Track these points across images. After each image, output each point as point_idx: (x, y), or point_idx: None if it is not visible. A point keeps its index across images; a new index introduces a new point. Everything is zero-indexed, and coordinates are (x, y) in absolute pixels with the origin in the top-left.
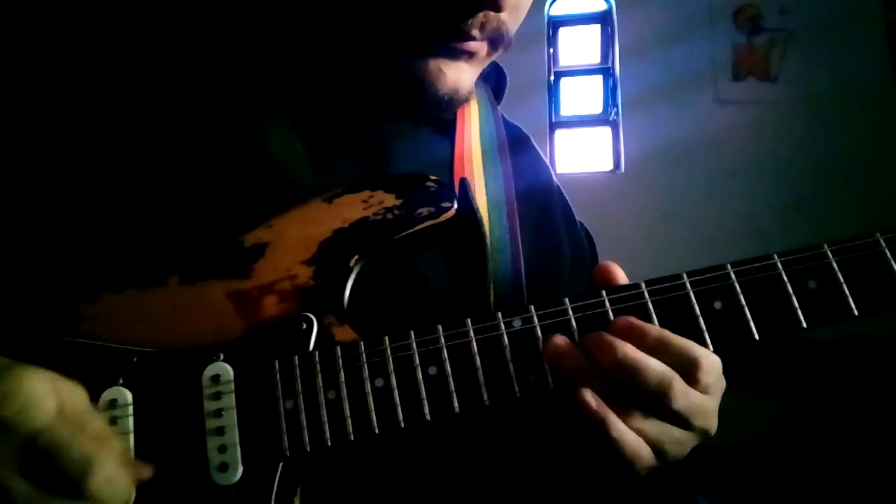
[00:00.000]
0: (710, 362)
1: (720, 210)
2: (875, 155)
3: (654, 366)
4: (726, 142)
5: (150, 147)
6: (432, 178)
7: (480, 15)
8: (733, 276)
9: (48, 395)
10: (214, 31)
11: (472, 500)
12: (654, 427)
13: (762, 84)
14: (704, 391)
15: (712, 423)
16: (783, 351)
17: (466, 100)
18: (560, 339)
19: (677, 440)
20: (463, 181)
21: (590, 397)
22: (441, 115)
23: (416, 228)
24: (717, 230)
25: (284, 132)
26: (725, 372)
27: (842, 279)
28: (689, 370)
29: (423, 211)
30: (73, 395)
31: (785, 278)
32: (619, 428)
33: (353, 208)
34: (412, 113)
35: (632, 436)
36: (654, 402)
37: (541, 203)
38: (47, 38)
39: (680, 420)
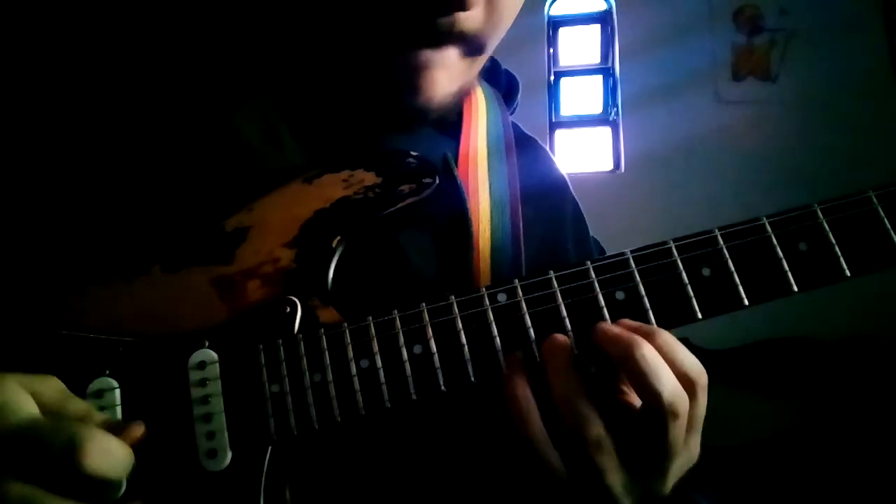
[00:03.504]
0: (705, 382)
1: (720, 210)
2: (875, 154)
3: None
4: (726, 142)
5: (128, 138)
6: (413, 154)
7: (453, 17)
8: (721, 241)
9: (24, 398)
10: (202, 24)
11: (463, 487)
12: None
13: (762, 84)
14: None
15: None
16: (783, 351)
17: (439, 108)
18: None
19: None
20: (445, 157)
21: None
22: (416, 121)
23: (399, 206)
24: None
25: (272, 127)
26: (726, 372)
27: (833, 240)
28: (696, 386)
29: (405, 188)
30: (48, 386)
31: (774, 242)
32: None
33: (333, 188)
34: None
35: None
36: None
37: (550, 207)
38: (18, 29)
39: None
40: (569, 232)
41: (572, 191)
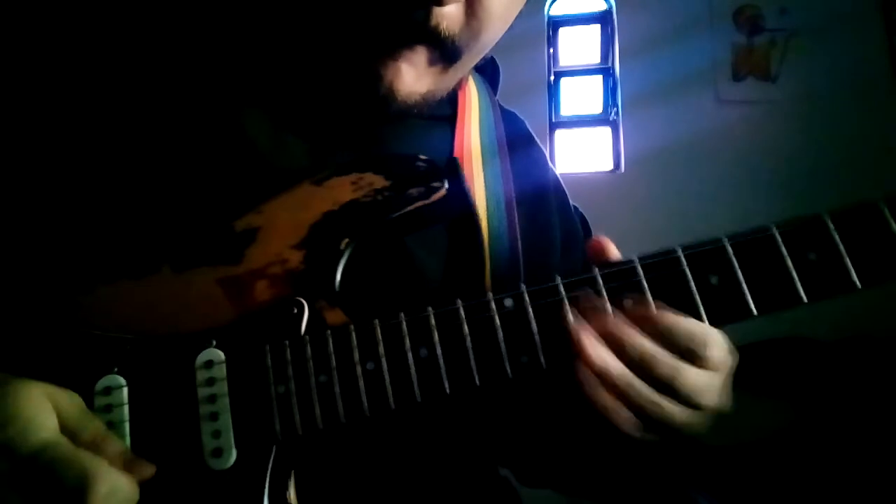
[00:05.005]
0: (715, 340)
1: (720, 210)
2: (875, 155)
3: (664, 358)
4: (726, 142)
5: (137, 139)
6: (422, 157)
7: (429, 11)
8: (730, 249)
9: (48, 413)
10: (199, 25)
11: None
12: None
13: (762, 84)
14: (713, 368)
15: (720, 400)
16: (783, 351)
17: (404, 103)
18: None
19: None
20: (453, 160)
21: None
22: (378, 113)
23: (407, 209)
24: (717, 230)
25: (273, 124)
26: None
27: (843, 250)
28: (696, 352)
29: (414, 192)
30: (70, 402)
31: (784, 251)
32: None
33: (342, 191)
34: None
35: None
36: (663, 387)
37: (537, 193)
38: (28, 31)
39: (688, 402)
40: (553, 208)
41: (566, 193)
